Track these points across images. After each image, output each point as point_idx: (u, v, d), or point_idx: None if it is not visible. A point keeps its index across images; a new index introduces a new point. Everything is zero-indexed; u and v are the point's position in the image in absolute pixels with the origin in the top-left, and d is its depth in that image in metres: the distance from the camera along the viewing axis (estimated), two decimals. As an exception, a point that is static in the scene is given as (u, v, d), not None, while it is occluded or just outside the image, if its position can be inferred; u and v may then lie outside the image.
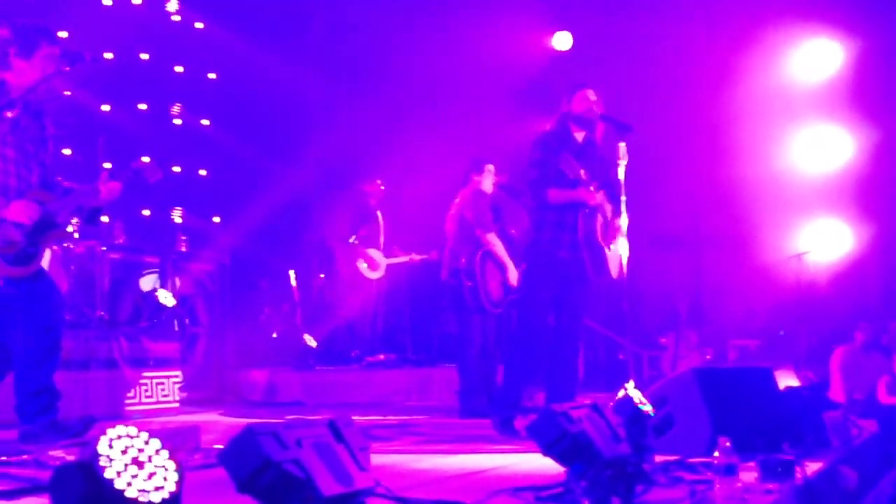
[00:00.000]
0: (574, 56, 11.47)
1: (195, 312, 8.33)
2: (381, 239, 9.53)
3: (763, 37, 10.62)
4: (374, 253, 9.47)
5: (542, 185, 5.54)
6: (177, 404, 7.07)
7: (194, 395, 7.75)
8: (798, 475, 3.21)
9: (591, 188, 5.53)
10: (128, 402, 6.68)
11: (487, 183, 7.11)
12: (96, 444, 2.23)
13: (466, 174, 7.18)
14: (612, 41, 10.86)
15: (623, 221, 5.53)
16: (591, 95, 5.66)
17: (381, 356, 9.18)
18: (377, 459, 4.23)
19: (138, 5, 9.71)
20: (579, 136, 5.67)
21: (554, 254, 5.55)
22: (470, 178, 7.16)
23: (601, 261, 5.61)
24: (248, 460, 2.55)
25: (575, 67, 11.08)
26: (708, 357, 9.89)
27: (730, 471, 3.08)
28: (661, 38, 10.60)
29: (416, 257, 9.52)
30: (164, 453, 2.30)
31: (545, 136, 5.68)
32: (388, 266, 9.54)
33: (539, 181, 5.56)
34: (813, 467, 3.59)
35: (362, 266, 9.42)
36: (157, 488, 2.25)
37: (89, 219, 4.80)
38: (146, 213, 9.63)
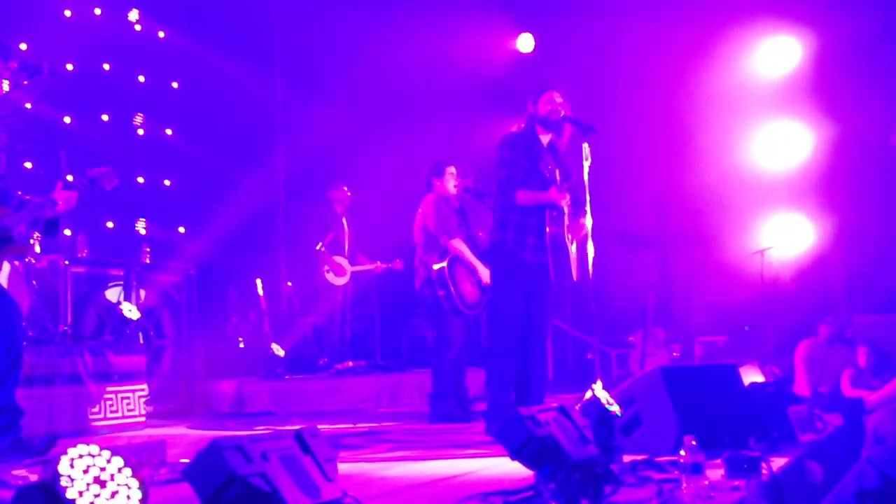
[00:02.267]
0: (537, 58, 11.52)
1: (161, 324, 8.24)
2: (346, 246, 9.51)
3: (722, 34, 10.73)
4: (340, 259, 9.45)
5: (511, 186, 5.54)
6: (143, 418, 6.99)
7: (162, 408, 7.67)
8: (764, 471, 3.24)
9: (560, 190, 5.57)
10: (93, 417, 6.59)
11: (450, 185, 7.09)
12: (57, 463, 2.21)
13: (428, 179, 7.17)
14: (574, 43, 10.93)
15: (588, 222, 5.56)
16: (557, 97, 5.69)
17: (350, 363, 9.15)
18: (347, 468, 4.22)
19: (99, 15, 9.62)
20: (545, 138, 5.70)
21: (518, 255, 5.55)
22: (431, 183, 7.15)
23: (565, 264, 5.62)
24: (213, 475, 2.53)
25: (538, 69, 11.14)
26: (675, 354, 9.96)
27: (696, 469, 3.10)
28: (622, 39, 10.67)
29: (381, 266, 9.52)
30: (127, 471, 2.29)
31: (512, 136, 5.69)
32: (354, 273, 9.52)
33: (508, 181, 5.56)
34: (779, 462, 3.63)
35: (328, 273, 9.41)
36: (120, 507, 2.23)
37: (47, 230, 4.73)
38: (110, 224, 9.53)
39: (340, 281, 9.46)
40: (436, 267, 6.89)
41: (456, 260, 6.89)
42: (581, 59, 10.74)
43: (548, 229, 5.54)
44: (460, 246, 6.92)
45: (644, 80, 10.62)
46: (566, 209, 5.65)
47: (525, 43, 11.68)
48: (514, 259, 5.55)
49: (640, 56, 10.61)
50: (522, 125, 5.75)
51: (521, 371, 5.61)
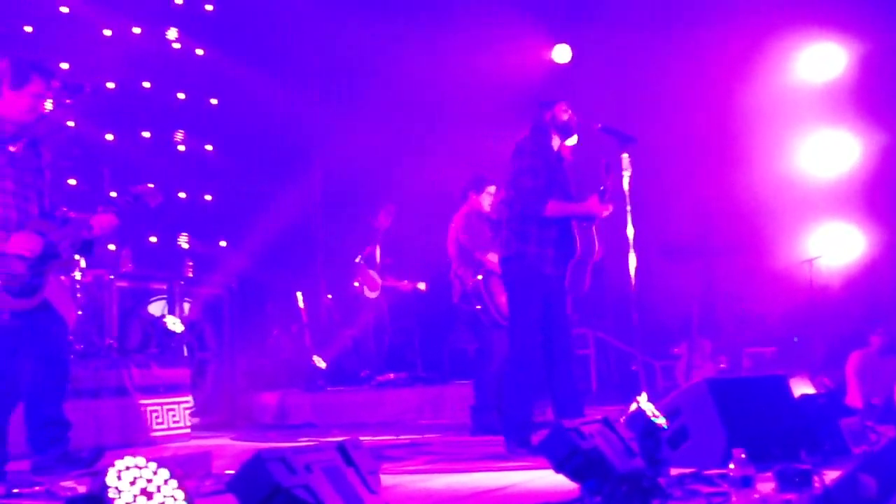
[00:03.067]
0: (574, 68, 11.47)
1: (204, 337, 8.31)
2: (378, 260, 9.52)
3: (767, 42, 10.59)
4: (374, 274, 9.47)
5: (538, 196, 5.41)
6: (188, 430, 7.05)
7: (206, 420, 7.73)
8: (816, 484, 3.17)
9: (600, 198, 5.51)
10: (139, 429, 6.66)
11: (486, 202, 7.05)
12: (105, 475, 2.22)
13: (465, 192, 7.14)
14: (611, 52, 10.85)
15: (629, 232, 5.52)
16: (568, 108, 5.67)
17: (391, 375, 9.14)
18: (389, 480, 4.21)
19: (138, 34, 9.76)
20: (555, 144, 5.64)
21: (539, 269, 5.46)
22: (468, 197, 7.12)
23: (581, 275, 5.56)
24: (257, 487, 2.53)
25: (575, 80, 11.09)
26: (722, 366, 9.81)
27: (746, 482, 3.04)
28: (661, 48, 10.58)
29: (409, 285, 9.52)
30: (173, 483, 2.30)
31: (531, 144, 5.59)
32: (384, 287, 9.53)
33: (533, 192, 5.43)
34: (831, 476, 3.54)
35: (361, 286, 9.42)
36: (166, 519, 2.24)
37: (83, 251, 4.79)
38: (153, 239, 9.64)
39: (372, 294, 9.47)
40: (471, 281, 6.87)
41: (491, 273, 6.84)
42: (618, 69, 10.67)
43: (578, 241, 5.48)
44: (494, 259, 6.88)
45: (686, 88, 10.51)
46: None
47: (561, 54, 11.64)
48: (534, 272, 5.45)
49: (681, 65, 10.51)
50: (537, 132, 5.64)
51: (552, 386, 5.55)
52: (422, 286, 9.48)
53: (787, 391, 4.68)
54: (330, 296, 10.38)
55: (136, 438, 6.55)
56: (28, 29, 8.64)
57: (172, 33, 10.18)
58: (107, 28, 9.45)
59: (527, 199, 5.43)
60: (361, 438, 3.25)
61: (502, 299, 6.84)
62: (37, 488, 4.12)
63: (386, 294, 9.56)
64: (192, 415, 7.17)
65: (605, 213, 5.52)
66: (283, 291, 10.04)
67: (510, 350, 5.62)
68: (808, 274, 9.91)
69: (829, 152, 10.88)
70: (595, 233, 5.59)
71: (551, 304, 5.50)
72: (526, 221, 5.44)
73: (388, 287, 9.52)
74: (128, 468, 2.26)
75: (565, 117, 5.62)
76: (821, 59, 10.95)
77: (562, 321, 5.57)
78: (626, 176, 5.56)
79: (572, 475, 3.25)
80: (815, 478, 3.18)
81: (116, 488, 2.21)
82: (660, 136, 9.36)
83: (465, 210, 7.08)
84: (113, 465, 2.24)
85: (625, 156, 5.56)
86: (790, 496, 3.14)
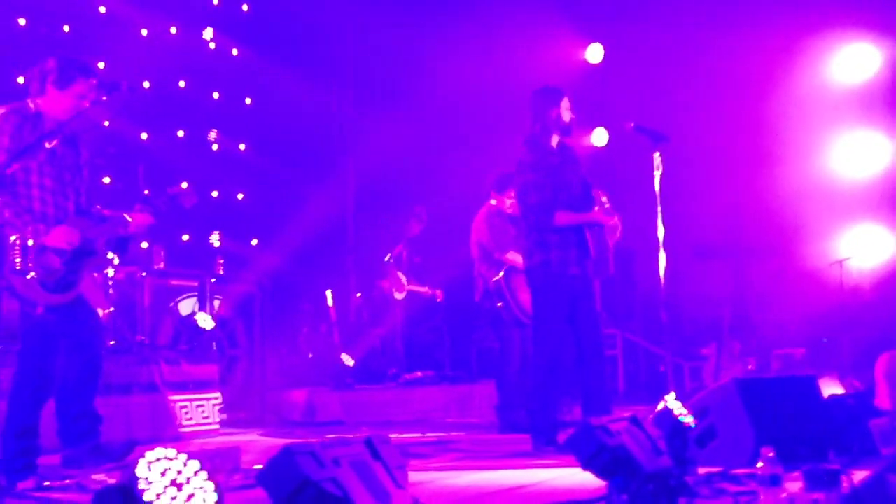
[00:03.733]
0: (607, 68, 11.43)
1: (234, 334, 8.38)
2: (405, 262, 9.58)
3: (800, 42, 10.49)
4: (401, 275, 9.51)
5: (545, 209, 5.48)
6: (217, 426, 7.11)
7: (234, 417, 7.79)
8: (844, 484, 3.14)
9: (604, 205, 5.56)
10: (169, 425, 6.72)
11: (507, 204, 7.05)
12: (135, 466, 2.25)
13: (488, 190, 7.16)
14: (644, 52, 10.81)
15: (660, 232, 5.53)
16: (569, 105, 5.67)
17: (419, 373, 9.18)
18: (416, 477, 4.23)
19: (174, 34, 9.86)
20: (554, 142, 5.63)
21: (564, 271, 5.50)
22: (490, 196, 7.13)
23: (605, 262, 5.61)
24: (286, 480, 2.55)
25: (608, 79, 11.05)
26: (751, 367, 9.74)
27: (774, 481, 3.02)
28: (694, 48, 10.52)
29: (429, 291, 9.56)
30: (203, 474, 2.31)
31: (532, 156, 5.57)
32: (409, 291, 9.57)
33: (540, 206, 5.49)
34: (860, 476, 3.52)
35: (387, 286, 9.46)
36: (196, 510, 2.26)
37: (118, 248, 4.85)
38: (185, 237, 9.74)
39: (399, 296, 9.51)
40: (493, 279, 6.88)
41: (513, 270, 6.85)
42: (651, 68, 10.62)
43: (590, 243, 5.53)
44: (515, 257, 6.89)
45: (719, 88, 10.44)
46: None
47: (594, 53, 11.60)
48: (561, 276, 5.49)
49: (714, 64, 10.44)
50: (536, 131, 5.62)
51: (581, 385, 5.56)
52: (439, 294, 9.56)
53: (817, 391, 4.65)
54: (359, 295, 10.42)
55: (165, 434, 6.62)
56: (66, 28, 8.77)
57: (208, 33, 10.27)
58: (143, 28, 9.56)
59: (535, 214, 5.50)
60: (389, 436, 3.27)
61: (524, 297, 6.85)
62: (67, 481, 4.17)
63: (410, 296, 9.60)
64: (221, 411, 7.22)
65: (612, 222, 5.57)
66: (313, 290, 10.09)
67: (536, 350, 5.64)
68: (838, 275, 9.81)
69: (862, 153, 10.76)
70: (607, 235, 5.64)
71: (579, 304, 5.52)
72: (543, 231, 5.50)
73: (411, 291, 9.56)
74: (158, 459, 2.27)
75: (567, 117, 5.62)
76: (855, 60, 10.83)
77: (592, 319, 5.59)
78: (658, 175, 5.57)
79: (599, 472, 3.25)
80: (844, 478, 3.15)
81: (146, 479, 2.23)
82: (692, 135, 9.32)
83: (486, 210, 7.10)
84: (143, 457, 2.26)
85: (657, 155, 5.58)
86: (818, 496, 3.12)
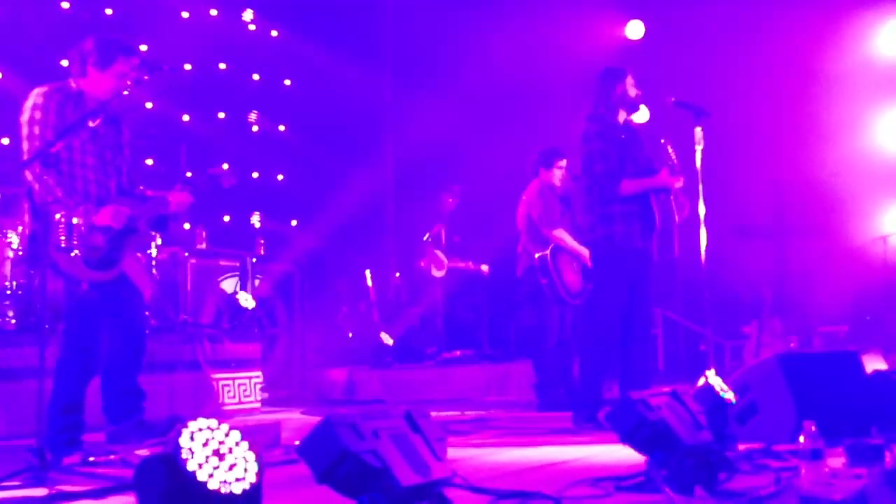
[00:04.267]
0: (647, 44, 11.31)
1: (274, 314, 8.45)
2: (444, 241, 9.58)
3: (843, 15, 10.31)
4: (440, 253, 9.52)
5: (611, 178, 5.45)
6: (258, 404, 7.19)
7: (275, 395, 7.87)
8: (887, 459, 3.11)
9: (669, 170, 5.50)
10: (211, 403, 6.81)
11: (556, 177, 7.05)
12: (178, 436, 2.27)
13: (535, 167, 7.14)
14: (685, 28, 10.67)
15: (701, 209, 5.47)
16: (634, 82, 5.64)
17: (458, 352, 9.20)
18: (455, 453, 4.25)
19: (215, 16, 9.92)
20: (621, 118, 5.62)
21: (629, 245, 5.48)
22: (538, 172, 7.11)
23: (668, 242, 5.55)
24: (326, 452, 2.57)
25: (649, 56, 10.93)
26: (793, 345, 9.64)
27: (816, 455, 2.99)
28: (736, 23, 10.37)
29: (473, 266, 9.54)
30: (244, 445, 2.34)
31: (598, 126, 5.57)
32: (449, 268, 9.58)
33: (606, 174, 5.47)
34: (904, 452, 3.47)
35: (427, 265, 9.48)
36: (238, 479, 2.28)
37: (157, 226, 4.91)
38: (226, 218, 9.83)
39: (439, 273, 9.52)
40: (538, 255, 6.86)
41: (559, 248, 6.84)
42: (692, 45, 10.48)
43: (656, 213, 5.47)
44: (563, 235, 6.86)
45: (760, 63, 10.30)
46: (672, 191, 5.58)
47: (635, 30, 11.48)
48: (625, 250, 5.47)
49: (756, 40, 10.29)
50: (601, 110, 5.62)
51: (624, 362, 5.54)
52: (485, 268, 9.52)
53: (860, 367, 4.59)
54: (398, 274, 10.46)
55: (208, 412, 6.69)
56: (108, 11, 8.86)
57: (248, 15, 10.33)
58: (184, 10, 9.63)
59: (602, 183, 5.47)
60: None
61: (569, 276, 6.84)
62: (112, 457, 4.22)
63: (452, 274, 9.61)
64: (262, 389, 7.30)
65: (678, 185, 5.52)
66: (352, 270, 10.15)
67: (588, 326, 5.64)
68: (881, 251, 9.66)
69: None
70: (673, 201, 5.58)
71: (637, 281, 5.50)
72: (607, 203, 5.47)
73: (453, 268, 9.57)
74: (200, 430, 2.30)
75: (633, 93, 5.60)
76: (900, 34, 10.62)
77: (646, 298, 5.57)
78: (699, 150, 5.52)
79: (639, 447, 3.24)
80: (887, 453, 3.12)
81: (189, 449, 2.26)
82: (734, 111, 9.20)
83: (537, 185, 7.08)
84: (186, 427, 2.29)
85: (698, 130, 5.52)
86: (860, 470, 3.09)
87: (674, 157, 5.58)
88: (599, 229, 5.53)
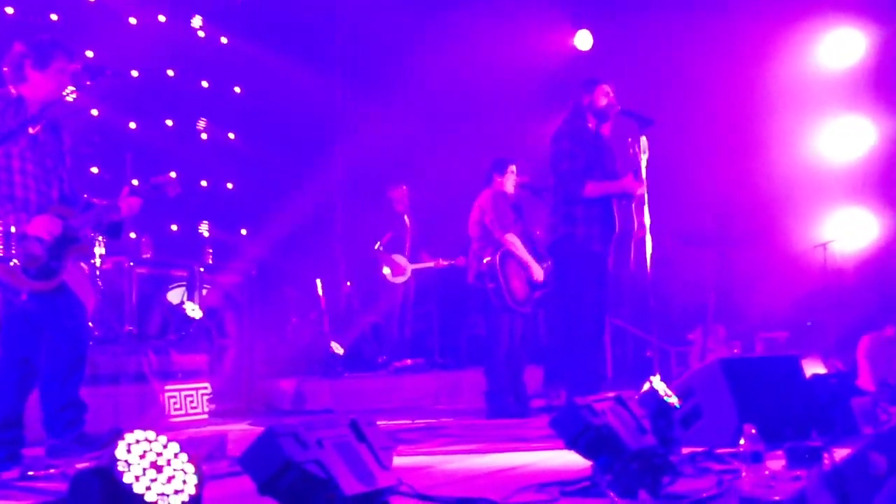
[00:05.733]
0: (595, 55, 11.43)
1: (223, 324, 8.36)
2: (408, 244, 9.57)
3: (785, 27, 10.51)
4: (399, 258, 9.51)
5: (576, 178, 5.52)
6: (206, 416, 7.10)
7: (224, 406, 7.77)
8: (826, 462, 3.16)
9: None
10: (157, 415, 6.71)
11: (509, 183, 7.11)
12: (114, 448, 2.24)
13: (489, 174, 7.19)
14: (633, 38, 10.81)
15: (646, 218, 5.54)
16: (609, 90, 5.72)
17: (409, 361, 9.19)
18: (404, 461, 4.24)
19: (163, 22, 9.81)
20: (592, 125, 5.70)
21: (588, 248, 5.54)
22: (492, 179, 7.16)
23: (625, 253, 5.61)
24: (268, 462, 2.55)
25: (597, 66, 11.03)
26: (736, 351, 9.78)
27: (756, 458, 3.04)
28: (681, 34, 10.51)
29: (443, 262, 9.53)
30: (183, 456, 2.31)
31: (569, 128, 5.67)
32: (415, 271, 9.57)
33: (571, 174, 5.54)
34: (841, 454, 3.54)
35: (386, 272, 9.48)
36: (177, 491, 2.25)
37: (109, 233, 4.84)
38: (174, 227, 9.71)
39: (400, 279, 9.51)
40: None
41: (508, 254, 6.87)
42: (639, 54, 10.62)
43: (616, 219, 5.54)
44: (513, 240, 6.90)
45: (705, 73, 10.43)
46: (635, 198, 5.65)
47: (583, 40, 11.60)
48: (584, 252, 5.53)
49: (701, 50, 10.43)
50: (573, 115, 5.71)
51: (573, 368, 5.59)
52: (460, 261, 9.46)
53: (800, 371, 4.68)
54: (349, 283, 10.42)
55: (154, 424, 6.59)
56: (54, 17, 8.71)
57: (197, 21, 10.23)
58: (132, 16, 9.52)
59: (566, 182, 5.52)
60: (378, 422, 3.27)
61: (515, 283, 6.87)
62: (52, 471, 4.14)
63: (416, 276, 9.59)
64: (210, 401, 7.21)
65: (640, 191, 5.58)
66: (302, 279, 10.09)
67: (565, 332, 5.67)
68: (821, 258, 9.85)
69: (846, 137, 10.79)
70: (634, 210, 5.65)
71: (591, 285, 5.56)
72: (570, 204, 5.53)
73: (421, 268, 9.52)
74: (137, 441, 2.27)
75: (603, 102, 5.70)
76: (841, 45, 10.84)
77: (598, 303, 5.63)
78: (644, 159, 5.59)
79: (584, 452, 3.26)
80: (825, 455, 3.18)
81: (126, 462, 2.22)
82: (678, 121, 9.32)
83: (490, 191, 7.13)
84: (122, 439, 2.25)
85: (643, 139, 5.60)
86: (800, 472, 3.14)
87: (645, 152, 5.58)
88: (561, 229, 5.60)
